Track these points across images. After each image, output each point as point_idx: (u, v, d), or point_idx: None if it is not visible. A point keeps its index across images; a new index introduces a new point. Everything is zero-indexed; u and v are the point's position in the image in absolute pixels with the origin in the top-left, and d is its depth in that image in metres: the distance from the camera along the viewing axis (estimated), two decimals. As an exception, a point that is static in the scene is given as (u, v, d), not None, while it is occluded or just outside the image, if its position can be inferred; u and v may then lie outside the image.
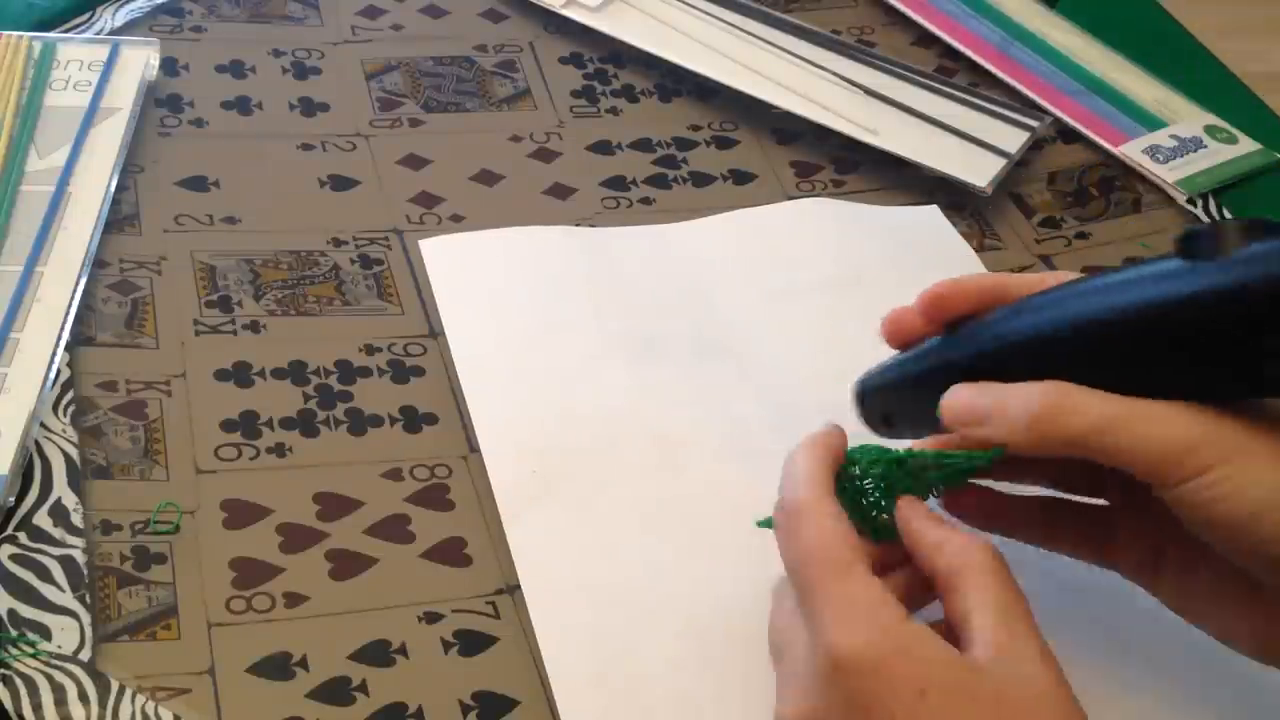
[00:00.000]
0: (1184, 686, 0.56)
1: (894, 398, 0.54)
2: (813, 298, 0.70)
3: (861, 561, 0.47)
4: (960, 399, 0.50)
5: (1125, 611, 0.58)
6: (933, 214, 0.76)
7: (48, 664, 0.52)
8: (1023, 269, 0.74)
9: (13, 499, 0.57)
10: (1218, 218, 0.79)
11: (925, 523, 0.50)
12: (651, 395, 0.64)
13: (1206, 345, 0.45)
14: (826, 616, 0.46)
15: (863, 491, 0.52)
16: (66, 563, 0.55)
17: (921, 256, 0.73)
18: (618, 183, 0.76)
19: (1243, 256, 0.44)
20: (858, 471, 0.52)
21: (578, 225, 0.73)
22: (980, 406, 0.49)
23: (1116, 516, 0.53)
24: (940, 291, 0.52)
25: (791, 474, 0.51)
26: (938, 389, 0.51)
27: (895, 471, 0.52)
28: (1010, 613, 0.46)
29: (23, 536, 0.56)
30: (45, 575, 0.55)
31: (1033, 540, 0.54)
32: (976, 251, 0.75)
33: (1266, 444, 0.45)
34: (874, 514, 0.52)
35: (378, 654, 0.54)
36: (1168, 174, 0.80)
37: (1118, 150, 0.82)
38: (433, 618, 0.56)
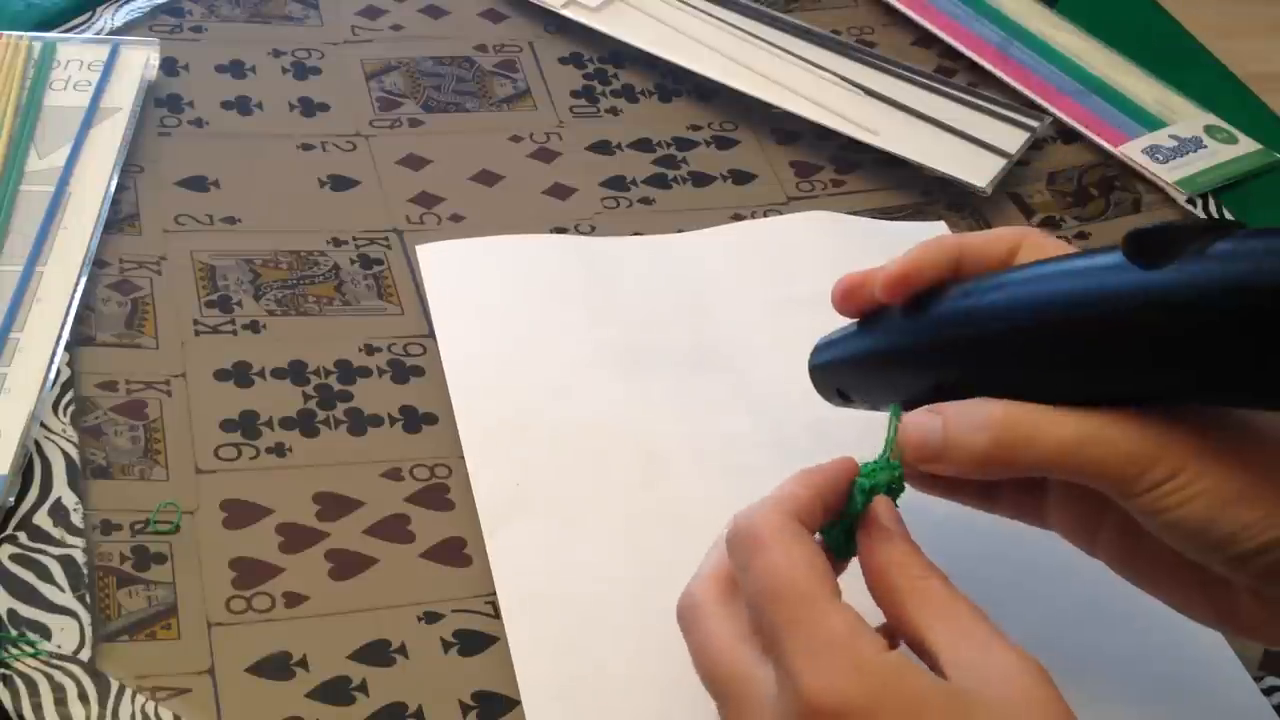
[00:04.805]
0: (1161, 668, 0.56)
1: (850, 373, 0.54)
2: (812, 313, 0.69)
3: (830, 589, 0.44)
4: (911, 437, 0.48)
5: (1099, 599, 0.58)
6: (937, 230, 0.76)
7: (48, 664, 0.52)
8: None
9: (13, 499, 0.57)
10: (1217, 218, 0.79)
11: (875, 540, 0.48)
12: (643, 409, 0.64)
13: (1164, 346, 0.44)
14: (800, 659, 0.43)
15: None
16: (66, 563, 0.55)
17: None
18: (618, 183, 0.76)
19: (1215, 255, 0.43)
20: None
21: (577, 225, 0.73)
22: (932, 444, 0.48)
23: (1047, 481, 0.52)
24: (904, 271, 0.50)
25: (764, 498, 0.48)
26: (894, 367, 0.51)
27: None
28: (971, 626, 0.45)
29: (23, 536, 0.56)
30: (45, 575, 0.55)
31: (972, 503, 0.53)
32: (976, 251, 0.74)
33: (1217, 447, 0.45)
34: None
35: (378, 654, 0.54)
36: (1167, 174, 0.80)
37: (1117, 150, 0.82)
38: (433, 617, 0.56)
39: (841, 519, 0.50)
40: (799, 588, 0.44)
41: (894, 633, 0.46)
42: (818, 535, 0.49)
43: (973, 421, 0.47)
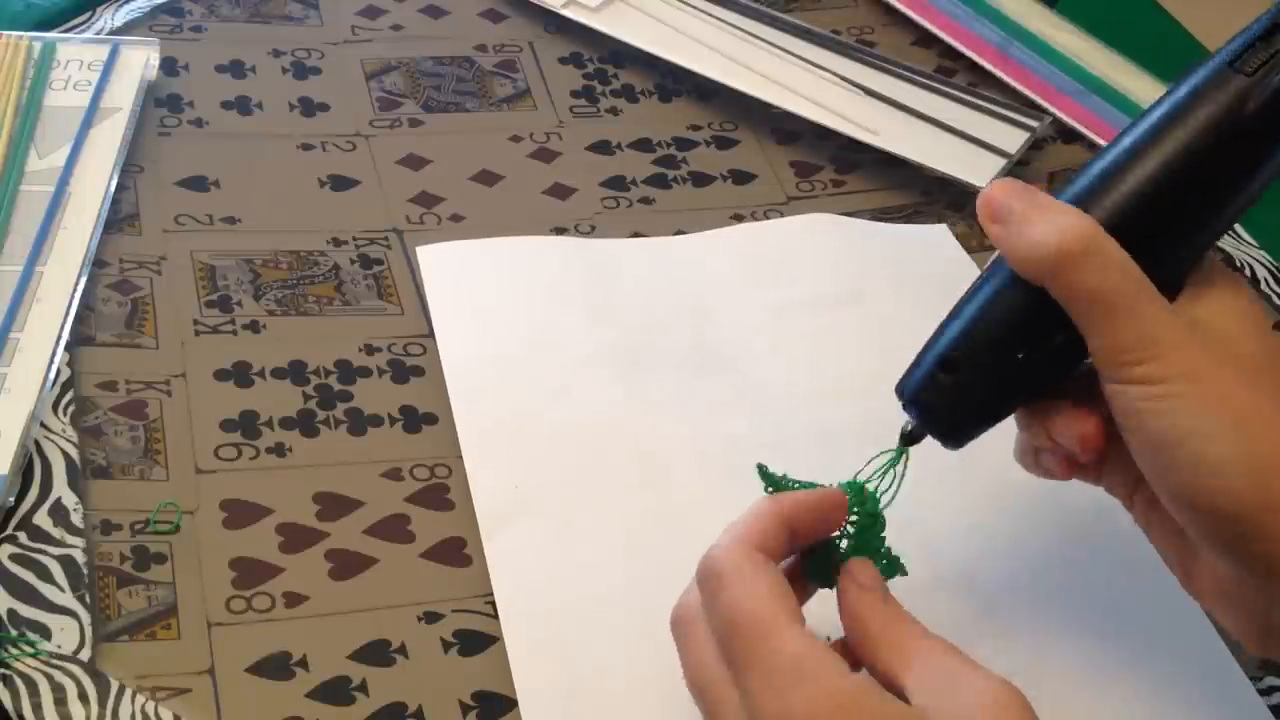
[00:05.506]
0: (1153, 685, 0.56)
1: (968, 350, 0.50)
2: (814, 315, 0.69)
3: (788, 617, 0.45)
4: (998, 190, 0.49)
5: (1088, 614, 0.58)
6: (941, 233, 0.75)
7: (48, 664, 0.52)
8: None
9: (13, 499, 0.57)
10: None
11: (850, 592, 0.48)
12: (643, 411, 0.64)
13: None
14: (755, 683, 0.44)
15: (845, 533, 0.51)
16: (66, 563, 0.55)
17: (926, 276, 0.72)
18: (618, 183, 0.76)
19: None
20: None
21: (577, 225, 0.73)
22: (1013, 208, 0.48)
23: (1113, 439, 0.51)
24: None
25: (727, 529, 0.48)
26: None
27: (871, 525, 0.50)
28: (934, 658, 0.45)
29: (23, 536, 0.56)
30: (45, 575, 0.55)
31: (1031, 461, 0.53)
32: (976, 252, 0.74)
33: (1229, 387, 0.45)
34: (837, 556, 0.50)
35: (378, 654, 0.54)
36: (1168, 174, 0.80)
37: (1118, 150, 0.82)
38: (432, 618, 0.56)
39: (825, 547, 0.50)
40: (756, 619, 0.45)
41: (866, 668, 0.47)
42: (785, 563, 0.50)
43: (1058, 215, 0.47)
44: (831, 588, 0.49)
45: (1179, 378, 0.45)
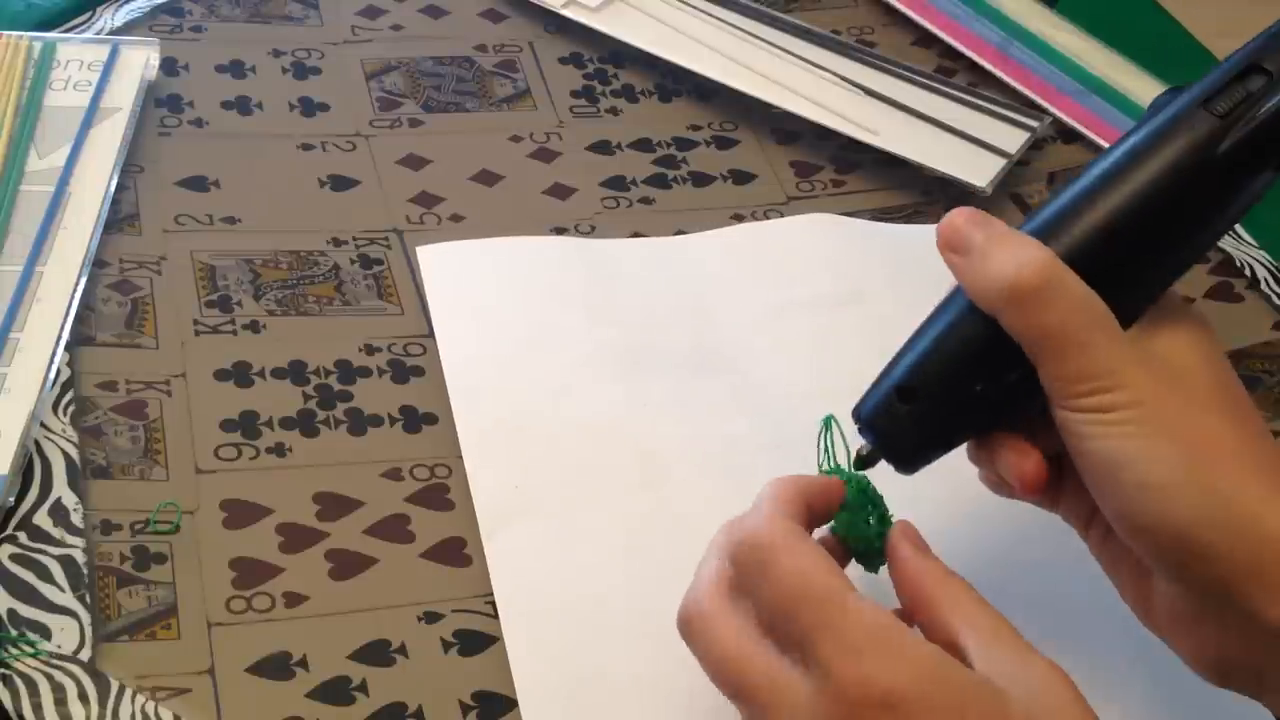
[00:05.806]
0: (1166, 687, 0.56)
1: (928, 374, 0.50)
2: (814, 315, 0.69)
3: (851, 588, 0.44)
4: (959, 219, 0.49)
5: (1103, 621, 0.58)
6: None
7: (48, 664, 0.52)
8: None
9: (13, 499, 0.57)
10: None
11: (905, 551, 0.48)
12: (643, 411, 0.64)
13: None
14: (840, 656, 0.43)
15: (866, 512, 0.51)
16: (66, 563, 0.55)
17: (927, 276, 0.72)
18: (618, 183, 0.76)
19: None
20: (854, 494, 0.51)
21: (577, 225, 0.73)
22: (973, 239, 0.48)
23: (1069, 469, 0.51)
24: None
25: (756, 507, 0.48)
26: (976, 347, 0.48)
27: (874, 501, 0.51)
28: (1002, 631, 0.45)
29: (23, 536, 0.56)
30: (45, 575, 0.55)
31: (991, 482, 0.53)
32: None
33: (1176, 413, 0.45)
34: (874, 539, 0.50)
35: (378, 654, 0.55)
36: (1168, 174, 0.80)
37: (1118, 150, 0.82)
38: (432, 617, 0.56)
39: (861, 537, 0.50)
40: (826, 589, 0.44)
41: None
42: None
43: (1018, 246, 0.47)
44: (876, 570, 0.50)
45: (1126, 405, 0.45)
